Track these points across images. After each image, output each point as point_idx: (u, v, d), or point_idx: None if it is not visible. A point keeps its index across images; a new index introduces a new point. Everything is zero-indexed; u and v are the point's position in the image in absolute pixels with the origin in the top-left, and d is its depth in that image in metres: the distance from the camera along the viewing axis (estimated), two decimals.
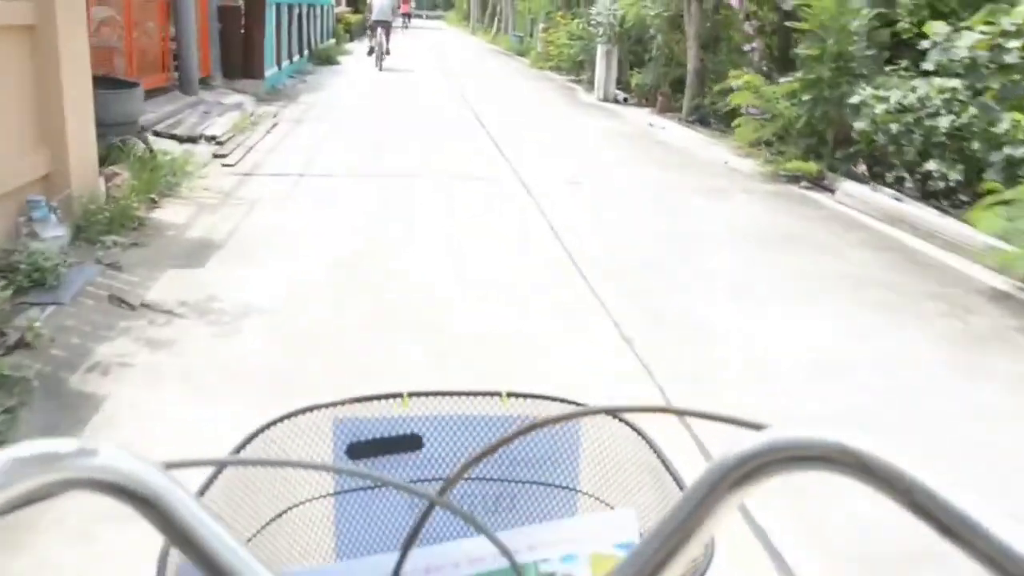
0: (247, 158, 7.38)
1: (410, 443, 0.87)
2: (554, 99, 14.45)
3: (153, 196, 5.57)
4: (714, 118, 12.50)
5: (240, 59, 11.73)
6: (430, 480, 0.87)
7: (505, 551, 0.62)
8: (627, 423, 0.85)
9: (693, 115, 12.44)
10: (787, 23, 8.54)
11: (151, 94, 9.42)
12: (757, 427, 0.51)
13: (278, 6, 13.84)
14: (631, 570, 0.51)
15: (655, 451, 0.83)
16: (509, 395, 0.87)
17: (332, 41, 22.52)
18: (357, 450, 0.84)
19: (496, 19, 36.05)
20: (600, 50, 14.32)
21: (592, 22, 14.53)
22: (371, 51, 18.83)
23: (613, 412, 0.85)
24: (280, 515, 0.83)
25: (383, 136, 9.20)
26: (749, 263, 5.21)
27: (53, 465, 0.43)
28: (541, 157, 8.47)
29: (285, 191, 6.22)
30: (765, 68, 9.62)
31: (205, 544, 0.46)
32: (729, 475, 0.48)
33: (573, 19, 17.42)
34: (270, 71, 12.82)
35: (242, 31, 11.68)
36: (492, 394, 0.87)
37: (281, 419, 0.82)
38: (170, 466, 0.48)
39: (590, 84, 16.31)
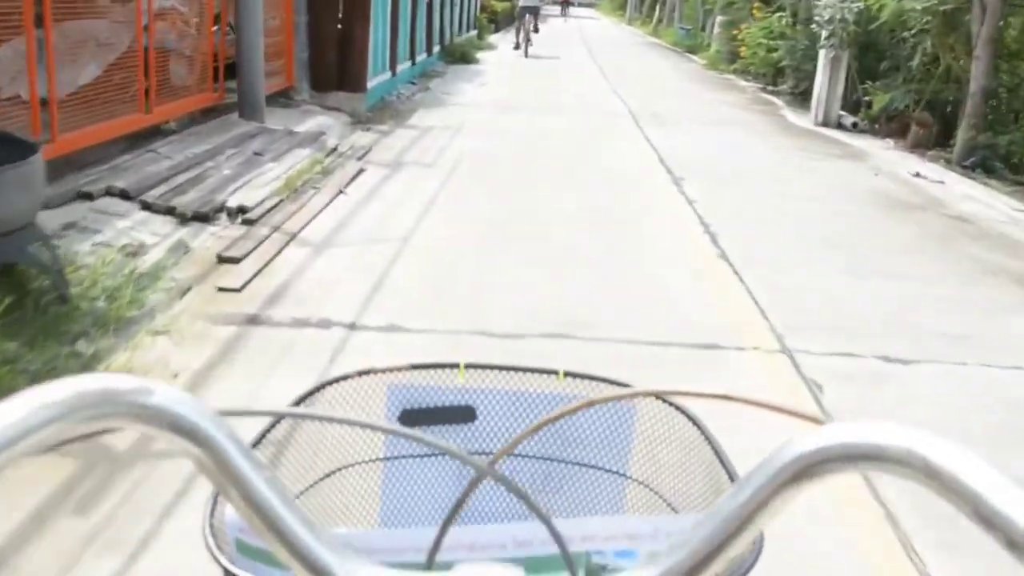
0: (272, 266, 4.12)
1: (463, 414, 0.86)
2: (754, 121, 10.65)
3: None
4: (998, 159, 8.55)
5: (336, 64, 8.66)
6: (481, 453, 0.84)
7: (555, 534, 0.57)
8: (683, 411, 0.83)
9: (970, 157, 8.50)
10: None
11: (189, 124, 6.44)
12: (817, 421, 0.49)
13: None
14: (676, 562, 0.47)
15: (709, 441, 0.80)
16: (566, 374, 0.85)
17: (473, 33, 19.42)
18: (410, 417, 0.84)
19: (658, 8, 32.11)
20: (823, 56, 10.44)
21: (815, 17, 10.66)
22: (517, 46, 18.25)
23: (664, 396, 0.82)
24: (329, 475, 0.83)
25: (516, 207, 5.83)
26: None
27: (112, 400, 0.41)
28: (795, 272, 4.93)
29: (299, 392, 2.94)
30: None
31: (253, 494, 0.43)
32: (785, 471, 0.44)
33: (774, 11, 13.52)
34: (379, 78, 9.69)
35: (339, 27, 8.60)
36: (549, 372, 0.85)
37: (336, 380, 0.83)
38: (225, 413, 0.46)
39: (794, 97, 12.45)
